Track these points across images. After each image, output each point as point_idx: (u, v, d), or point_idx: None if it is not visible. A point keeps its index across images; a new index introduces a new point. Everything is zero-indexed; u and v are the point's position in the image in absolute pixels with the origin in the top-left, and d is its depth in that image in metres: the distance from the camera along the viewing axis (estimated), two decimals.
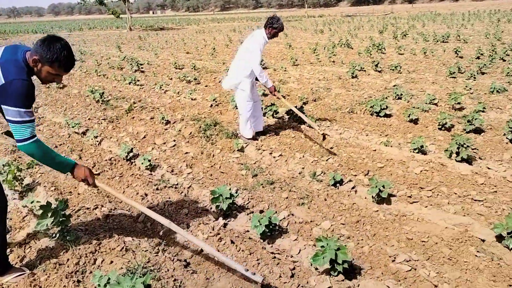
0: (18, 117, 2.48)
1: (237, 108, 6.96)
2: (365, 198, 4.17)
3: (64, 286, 2.87)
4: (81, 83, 11.11)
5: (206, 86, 10.18)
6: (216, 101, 8.17)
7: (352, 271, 3.08)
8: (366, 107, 7.10)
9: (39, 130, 6.95)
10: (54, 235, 3.43)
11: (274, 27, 5.33)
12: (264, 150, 5.51)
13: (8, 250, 3.38)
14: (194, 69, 12.51)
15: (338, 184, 4.46)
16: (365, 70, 11.00)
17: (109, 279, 2.66)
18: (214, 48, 17.35)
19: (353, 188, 4.38)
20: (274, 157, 5.32)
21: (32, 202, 4.00)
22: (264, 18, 58.52)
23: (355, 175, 4.71)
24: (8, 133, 2.99)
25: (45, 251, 3.29)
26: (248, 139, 5.81)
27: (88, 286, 2.87)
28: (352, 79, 9.97)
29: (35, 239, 3.51)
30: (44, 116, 7.84)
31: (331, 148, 5.49)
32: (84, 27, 52.84)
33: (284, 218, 3.90)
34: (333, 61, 12.99)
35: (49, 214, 3.33)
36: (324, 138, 5.28)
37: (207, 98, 8.56)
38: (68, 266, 3.07)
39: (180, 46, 21.24)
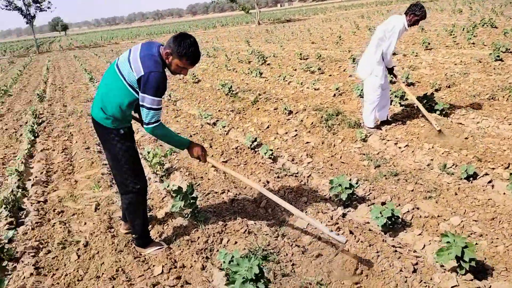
0: (151, 105, 2.84)
1: (361, 97, 6.80)
2: (504, 193, 3.74)
3: (195, 261, 3.17)
4: (213, 77, 11.94)
5: (330, 75, 10.10)
6: (339, 91, 8.06)
7: (483, 271, 2.81)
8: (510, 94, 6.30)
9: (177, 121, 7.69)
10: (186, 215, 3.80)
11: (416, 15, 5.05)
12: (388, 140, 5.28)
13: (149, 227, 3.85)
14: (319, 59, 12.49)
15: (471, 178, 4.07)
16: (511, 52, 9.72)
17: (232, 257, 2.87)
18: (339, 37, 17.06)
19: (489, 182, 3.96)
20: (399, 147, 5.07)
21: (168, 186, 4.49)
22: (395, 2, 55.37)
23: (493, 169, 4.24)
24: (136, 119, 3.41)
25: (179, 229, 3.68)
26: (372, 128, 5.64)
27: (215, 263, 3.13)
28: (495, 62, 8.89)
29: (171, 218, 3.94)
30: (182, 109, 8.65)
31: (466, 138, 5.01)
32: (217, 24, 56.36)
33: (408, 211, 3.71)
34: (473, 43, 11.74)
35: (180, 197, 3.71)
36: (439, 132, 4.94)
37: (330, 87, 8.49)
38: (198, 244, 3.39)
39: (306, 36, 21.35)
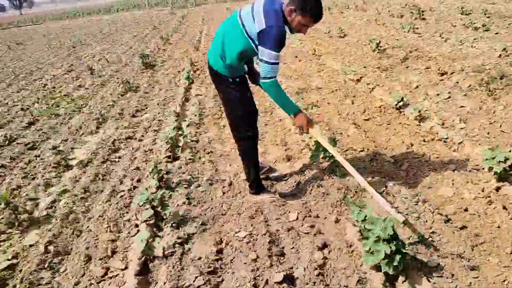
0: (270, 59, 2.86)
1: None
2: None
3: (329, 213, 3.24)
4: (361, 32, 11.43)
5: (496, 33, 8.82)
6: (506, 51, 7.02)
7: None
8: None
9: (320, 75, 7.65)
10: (324, 168, 3.85)
11: None
12: None
13: (288, 175, 4.02)
14: (485, 14, 10.97)
15: None
16: None
17: (365, 216, 2.85)
18: None
19: None
20: None
21: (310, 138, 4.55)
22: None
23: None
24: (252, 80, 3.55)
25: (315, 180, 3.75)
26: None
27: (349, 217, 3.14)
28: None
29: (309, 169, 4.04)
30: (325, 63, 8.54)
31: None
32: None
33: None
34: None
35: (321, 149, 3.75)
36: None
37: (495, 47, 7.44)
38: (334, 197, 3.43)
39: None
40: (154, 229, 3.26)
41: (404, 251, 2.40)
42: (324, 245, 2.89)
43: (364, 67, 7.65)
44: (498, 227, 2.89)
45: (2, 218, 3.53)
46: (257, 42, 2.96)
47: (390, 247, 2.30)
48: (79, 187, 4.14)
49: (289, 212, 3.36)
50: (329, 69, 8.03)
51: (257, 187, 3.61)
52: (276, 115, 5.74)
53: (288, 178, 3.97)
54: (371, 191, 2.93)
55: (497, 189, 3.32)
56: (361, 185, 3.19)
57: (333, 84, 6.89)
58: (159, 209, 3.36)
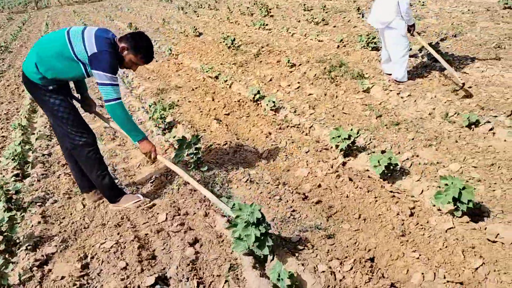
0: (105, 80, 2.87)
1: (365, 48, 6.69)
2: (505, 140, 3.75)
3: (198, 208, 3.27)
4: (215, 30, 11.70)
5: (334, 26, 9.87)
6: (343, 42, 7.91)
7: (479, 214, 2.88)
8: None
9: (179, 75, 7.64)
10: (190, 165, 3.87)
11: None
12: (391, 91, 5.25)
13: (153, 178, 3.94)
14: (323, 9, 12.16)
15: (473, 126, 4.08)
16: None
17: (234, 204, 2.95)
18: None
19: (490, 129, 3.96)
20: (401, 97, 5.05)
21: (174, 137, 4.53)
22: None
23: (495, 116, 4.23)
24: (97, 113, 3.52)
25: (181, 179, 3.74)
26: (404, 82, 5.44)
27: (217, 210, 3.21)
28: (504, 11, 8.64)
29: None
30: (183, 62, 8.56)
31: (469, 87, 4.97)
32: None
33: (408, 159, 3.75)
34: None
35: (184, 147, 3.76)
36: (462, 87, 4.77)
37: (334, 39, 8.32)
38: (201, 193, 3.46)
39: None
40: (7, 255, 2.91)
41: (270, 232, 2.55)
42: (196, 240, 2.91)
43: (221, 64, 7.86)
44: (347, 196, 3.25)
45: None
46: (88, 66, 2.93)
47: (260, 230, 2.41)
48: None
49: (158, 213, 3.30)
50: (187, 68, 8.07)
51: (113, 194, 3.41)
52: (137, 117, 5.58)
53: (154, 180, 3.89)
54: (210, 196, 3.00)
55: (344, 164, 3.73)
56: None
57: (192, 83, 6.94)
58: (9, 233, 3.00)
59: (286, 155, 4.05)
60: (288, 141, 4.31)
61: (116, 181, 3.95)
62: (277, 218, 3.05)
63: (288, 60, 6.96)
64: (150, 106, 5.51)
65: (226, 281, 2.48)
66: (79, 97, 3.49)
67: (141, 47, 3.02)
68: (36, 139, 5.16)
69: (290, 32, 9.73)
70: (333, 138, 3.81)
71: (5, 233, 2.97)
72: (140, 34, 3.09)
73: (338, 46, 7.75)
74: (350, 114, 4.87)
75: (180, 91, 6.60)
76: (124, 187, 3.82)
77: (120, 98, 2.97)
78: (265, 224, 2.55)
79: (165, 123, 5.15)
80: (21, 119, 5.64)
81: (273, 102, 5.17)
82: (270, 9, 13.22)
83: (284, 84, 6.21)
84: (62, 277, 2.67)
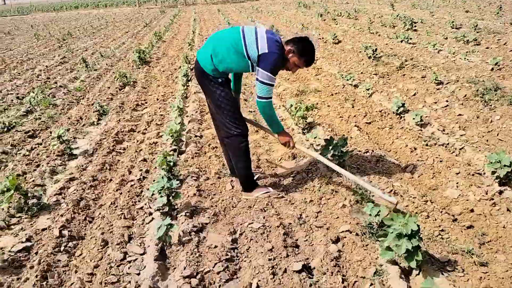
0: (265, 79, 3.13)
1: None
2: None
3: (339, 208, 3.33)
4: (354, 39, 11.64)
5: (487, 48, 9.13)
6: (498, 65, 7.28)
7: None
8: None
9: (318, 79, 7.79)
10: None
11: None
12: None
13: (295, 172, 4.10)
14: (474, 29, 11.32)
15: None
16: None
17: (379, 211, 2.96)
18: (500, 7, 15.14)
19: None
20: None
21: (314, 137, 4.66)
22: None
23: None
24: (249, 121, 3.77)
25: (324, 178, 3.84)
26: None
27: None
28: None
29: (315, 167, 4.12)
30: (322, 67, 8.69)
31: None
32: None
33: None
34: None
35: (330, 147, 3.85)
36: None
37: (487, 60, 7.71)
38: (342, 194, 3.53)
39: (459, 4, 19.37)
40: (168, 217, 3.30)
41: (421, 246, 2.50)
42: (338, 239, 2.98)
43: (362, 73, 7.82)
44: (504, 227, 3.02)
45: (11, 203, 3.50)
46: (254, 63, 3.20)
47: (412, 243, 2.39)
48: (87, 175, 4.13)
49: (300, 207, 3.44)
50: (326, 73, 8.17)
51: (248, 185, 3.66)
52: (277, 115, 5.83)
53: (295, 175, 4.05)
54: (362, 184, 3.27)
55: (500, 192, 3.47)
56: (354, 181, 3.45)
57: (331, 88, 7.02)
58: (171, 198, 3.39)
59: (434, 173, 3.90)
60: (436, 159, 4.14)
61: (260, 170, 4.22)
62: (424, 235, 2.97)
63: (436, 77, 6.64)
64: (291, 105, 5.72)
65: (371, 284, 2.50)
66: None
67: (306, 51, 3.25)
68: (189, 122, 5.71)
69: (436, 49, 9.26)
70: (491, 163, 3.56)
71: (170, 198, 3.36)
72: (306, 39, 3.29)
73: (493, 69, 7.16)
74: (507, 142, 4.49)
75: (319, 95, 6.73)
76: (268, 177, 4.05)
77: (271, 98, 3.24)
78: (418, 238, 2.51)
79: (306, 123, 5.31)
80: (179, 102, 6.28)
81: (420, 117, 5.00)
82: (415, 23, 12.70)
83: (430, 100, 5.95)
84: (215, 246, 2.94)
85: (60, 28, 21.69)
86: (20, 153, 4.86)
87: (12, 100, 7.29)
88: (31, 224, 3.36)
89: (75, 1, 52.06)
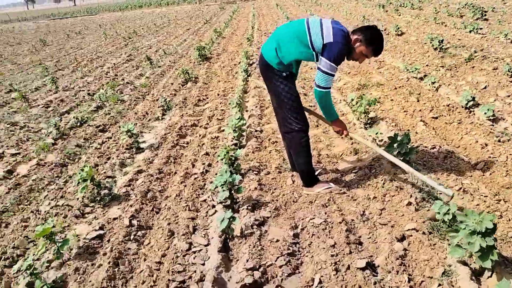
0: (327, 69, 3.10)
1: None
2: None
3: (405, 206, 3.23)
4: (419, 30, 11.17)
5: None
6: None
7: None
8: None
9: (380, 72, 7.57)
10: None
11: None
12: None
13: (357, 168, 4.03)
14: None
15: None
16: None
17: (449, 209, 2.83)
18: None
19: None
20: None
21: (376, 133, 4.54)
22: None
23: None
24: (306, 109, 3.68)
25: (388, 175, 3.74)
26: None
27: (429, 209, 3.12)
28: None
29: (378, 163, 4.02)
30: (384, 60, 8.42)
31: None
32: None
33: None
34: None
35: (395, 145, 3.73)
36: None
37: None
38: (408, 192, 3.41)
39: None
40: (230, 210, 3.37)
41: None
42: (403, 237, 2.89)
43: (427, 65, 7.49)
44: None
45: (85, 193, 3.74)
46: (319, 53, 3.16)
47: (486, 241, 2.27)
48: (153, 168, 4.33)
49: (364, 204, 3.38)
50: (389, 66, 7.92)
51: (309, 180, 3.64)
52: (339, 109, 5.74)
53: (357, 171, 3.98)
54: (419, 176, 3.14)
55: None
56: (410, 173, 3.35)
57: (394, 82, 6.79)
58: (233, 192, 3.46)
59: (507, 171, 3.66)
60: (509, 156, 3.88)
61: (320, 165, 4.19)
62: (497, 235, 2.80)
63: (509, 69, 6.21)
64: (352, 99, 5.61)
65: (439, 284, 2.41)
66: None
67: (374, 39, 3.17)
68: (249, 116, 5.78)
69: (509, 39, 8.64)
70: None
71: (232, 192, 3.43)
72: (374, 28, 3.22)
73: None
74: None
75: (382, 89, 6.54)
76: (329, 172, 4.01)
77: (329, 88, 3.20)
78: (494, 237, 2.37)
79: (368, 118, 5.18)
80: (238, 98, 6.37)
81: (492, 111, 4.71)
82: (485, 12, 11.94)
83: (503, 94, 5.58)
84: (277, 240, 2.97)
85: (126, 27, 22.76)
86: (92, 146, 5.18)
87: (84, 96, 7.77)
88: (103, 213, 3.58)
89: (139, 1, 54.28)
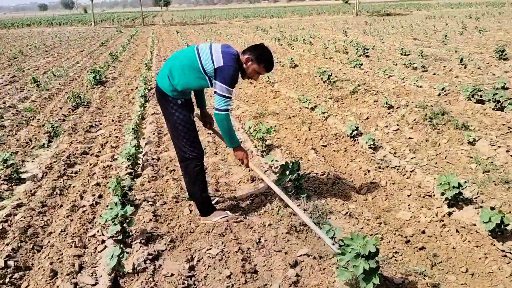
0: (223, 92, 3.15)
1: (475, 100, 6.49)
2: None
3: (298, 231, 3.34)
4: (310, 64, 11.99)
5: (434, 74, 9.68)
6: (444, 90, 7.72)
7: None
8: None
9: (276, 102, 7.92)
10: (290, 189, 3.98)
11: None
12: (499, 147, 5.01)
13: (254, 195, 4.10)
14: (421, 56, 11.97)
15: None
16: None
17: (334, 233, 3.00)
18: (445, 35, 16.14)
19: None
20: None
21: (272, 161, 4.69)
22: (508, 4, 50.70)
23: None
24: (197, 115, 3.73)
25: (282, 202, 3.86)
26: None
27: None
28: None
29: (272, 191, 4.14)
30: (279, 90, 8.85)
31: None
32: (313, 12, 55.71)
33: None
34: None
35: (287, 172, 3.89)
36: None
37: (434, 86, 8.16)
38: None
39: (407, 32, 20.47)
40: (122, 245, 3.18)
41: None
42: (296, 263, 2.98)
43: (317, 96, 8.03)
44: (453, 248, 3.15)
45: None
46: (212, 77, 3.23)
47: (369, 264, 2.43)
48: (35, 201, 3.93)
49: (259, 231, 3.43)
50: (284, 96, 8.32)
51: (205, 209, 3.61)
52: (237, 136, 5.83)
53: (254, 198, 4.05)
54: (312, 226, 3.12)
55: (449, 214, 3.63)
56: (299, 216, 3.29)
57: (289, 111, 7.15)
58: (125, 225, 3.28)
59: (386, 195, 4.02)
60: (388, 181, 4.28)
61: (218, 193, 4.18)
62: (379, 257, 3.03)
63: (387, 102, 6.93)
64: (249, 127, 5.76)
65: None
66: (199, 112, 3.80)
67: (264, 56, 3.29)
68: (146, 144, 5.60)
69: (387, 74, 9.70)
70: (441, 184, 3.72)
71: (124, 225, 3.25)
72: (262, 46, 3.36)
73: (439, 94, 7.58)
74: (454, 164, 4.73)
75: (277, 117, 6.83)
76: (227, 200, 4.02)
77: (228, 110, 3.25)
78: (376, 260, 2.55)
79: (265, 145, 5.35)
80: (134, 124, 6.16)
81: (373, 140, 5.17)
82: (366, 49, 13.26)
83: (382, 124, 6.19)
84: (172, 274, 2.86)
85: (10, 46, 20.88)
86: None
87: None
88: None
89: (27, 19, 50.32)
